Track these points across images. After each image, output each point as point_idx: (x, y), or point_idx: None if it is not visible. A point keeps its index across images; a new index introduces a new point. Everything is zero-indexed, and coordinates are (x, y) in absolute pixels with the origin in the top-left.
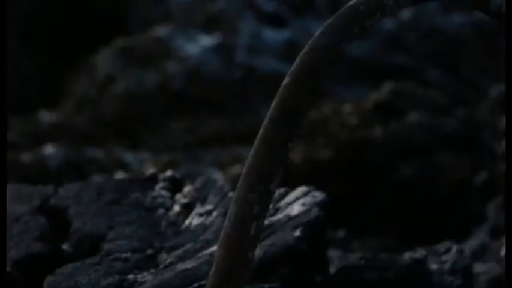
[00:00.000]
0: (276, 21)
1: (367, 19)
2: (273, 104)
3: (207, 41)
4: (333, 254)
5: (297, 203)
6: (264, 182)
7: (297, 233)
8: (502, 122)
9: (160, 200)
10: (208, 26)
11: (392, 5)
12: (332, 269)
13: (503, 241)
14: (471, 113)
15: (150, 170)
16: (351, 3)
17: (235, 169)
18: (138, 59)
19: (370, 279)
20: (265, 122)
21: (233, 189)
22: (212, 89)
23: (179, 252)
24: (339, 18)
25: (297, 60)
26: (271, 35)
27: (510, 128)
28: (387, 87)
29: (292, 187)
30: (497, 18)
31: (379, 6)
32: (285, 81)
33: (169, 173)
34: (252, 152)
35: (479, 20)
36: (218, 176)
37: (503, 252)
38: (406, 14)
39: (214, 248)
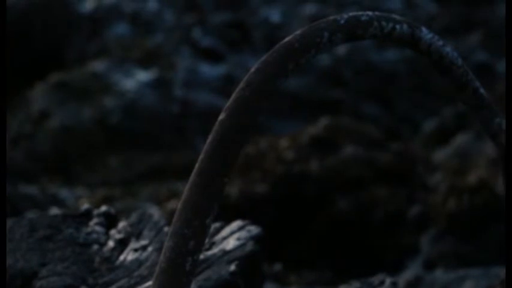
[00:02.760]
0: (212, 56)
1: (301, 56)
2: (208, 139)
3: (144, 75)
4: (270, 287)
5: (232, 237)
6: (200, 217)
7: (232, 267)
8: (435, 156)
9: (94, 235)
10: (145, 60)
11: (327, 42)
12: None
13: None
14: (405, 147)
15: (84, 206)
16: (286, 40)
17: (172, 204)
18: (74, 94)
19: None
20: (201, 156)
21: (169, 223)
22: (149, 124)
23: None
24: (273, 55)
25: (233, 96)
26: (208, 69)
27: (510, 132)
28: (323, 121)
29: (229, 221)
30: (427, 56)
31: (314, 43)
32: (221, 116)
33: (103, 208)
34: (187, 186)
35: (412, 56)
36: (154, 211)
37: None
38: (341, 50)
39: (149, 283)
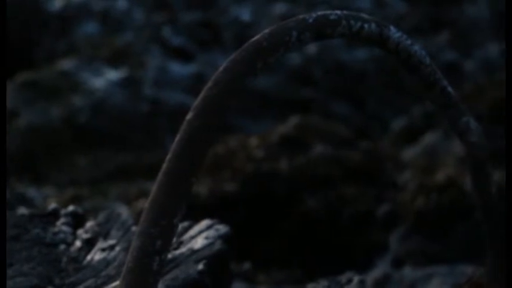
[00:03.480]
0: (183, 55)
1: (270, 54)
2: (176, 139)
3: (113, 74)
4: (239, 286)
5: (200, 236)
6: (167, 216)
7: (200, 266)
8: (404, 154)
9: (61, 235)
10: (115, 59)
11: (295, 40)
12: None
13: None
14: (374, 145)
15: (52, 205)
16: (254, 38)
17: (142, 203)
18: (42, 93)
19: None
20: (169, 156)
21: (137, 223)
22: (118, 123)
23: None
24: (242, 54)
25: (201, 95)
26: (178, 68)
27: (510, 128)
28: (293, 120)
29: (198, 220)
30: (395, 54)
31: (282, 42)
32: (189, 115)
33: (71, 208)
34: (154, 186)
35: (381, 55)
36: (122, 210)
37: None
38: (311, 49)
39: (116, 283)
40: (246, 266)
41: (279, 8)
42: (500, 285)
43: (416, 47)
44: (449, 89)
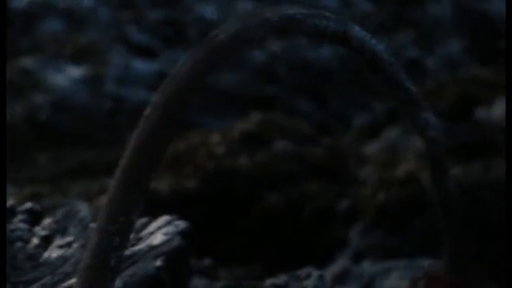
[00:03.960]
0: (147, 53)
1: (231, 51)
2: (134, 135)
3: (76, 71)
4: (198, 282)
5: (159, 232)
6: (125, 213)
7: (158, 262)
8: (366, 150)
9: (18, 233)
10: (78, 57)
11: (259, 38)
12: None
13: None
14: (336, 142)
15: (9, 203)
16: (215, 35)
17: (103, 200)
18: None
19: None
20: (127, 152)
21: (95, 220)
22: (80, 120)
23: (36, 286)
24: (201, 50)
25: (159, 91)
26: (142, 66)
27: (511, 128)
28: (254, 117)
29: (158, 217)
30: (359, 53)
31: (243, 38)
32: (147, 111)
33: (28, 205)
34: (113, 182)
35: (345, 53)
36: (81, 207)
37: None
38: (276, 46)
39: (73, 280)
40: (206, 262)
41: (244, 6)
42: (457, 280)
43: (380, 46)
44: (411, 86)
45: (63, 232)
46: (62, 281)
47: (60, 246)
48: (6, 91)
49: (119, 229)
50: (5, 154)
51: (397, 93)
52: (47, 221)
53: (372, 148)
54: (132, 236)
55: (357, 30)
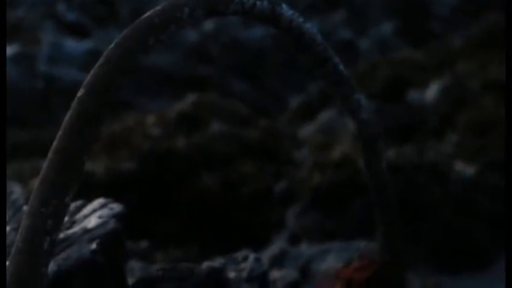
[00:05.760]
0: (78, 31)
1: (162, 31)
2: (66, 116)
3: (6, 50)
4: (135, 265)
5: (93, 215)
6: (58, 195)
7: (93, 245)
8: (301, 132)
9: None
10: (7, 35)
11: (187, 17)
12: (131, 281)
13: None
14: (272, 123)
15: None
16: (146, 15)
17: (36, 182)
18: None
19: None
20: (59, 133)
21: (28, 202)
22: (12, 100)
23: None
24: (133, 30)
25: (91, 72)
26: (74, 45)
27: (511, 126)
28: (190, 98)
29: (93, 199)
30: (288, 33)
31: (174, 18)
32: (79, 93)
33: None
34: (45, 163)
35: (278, 33)
36: (13, 189)
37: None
38: (208, 26)
39: (7, 264)
40: (143, 244)
41: None
42: (390, 260)
43: (308, 25)
44: (341, 66)
45: None
46: None
47: None
48: (6, 90)
49: (52, 212)
50: (4, 154)
51: (327, 73)
52: None
53: (307, 130)
54: (66, 219)
55: (284, 9)
